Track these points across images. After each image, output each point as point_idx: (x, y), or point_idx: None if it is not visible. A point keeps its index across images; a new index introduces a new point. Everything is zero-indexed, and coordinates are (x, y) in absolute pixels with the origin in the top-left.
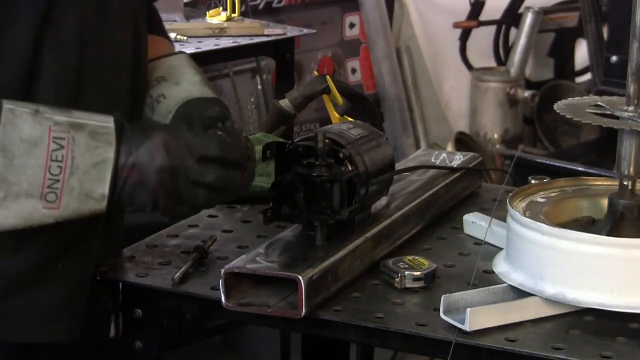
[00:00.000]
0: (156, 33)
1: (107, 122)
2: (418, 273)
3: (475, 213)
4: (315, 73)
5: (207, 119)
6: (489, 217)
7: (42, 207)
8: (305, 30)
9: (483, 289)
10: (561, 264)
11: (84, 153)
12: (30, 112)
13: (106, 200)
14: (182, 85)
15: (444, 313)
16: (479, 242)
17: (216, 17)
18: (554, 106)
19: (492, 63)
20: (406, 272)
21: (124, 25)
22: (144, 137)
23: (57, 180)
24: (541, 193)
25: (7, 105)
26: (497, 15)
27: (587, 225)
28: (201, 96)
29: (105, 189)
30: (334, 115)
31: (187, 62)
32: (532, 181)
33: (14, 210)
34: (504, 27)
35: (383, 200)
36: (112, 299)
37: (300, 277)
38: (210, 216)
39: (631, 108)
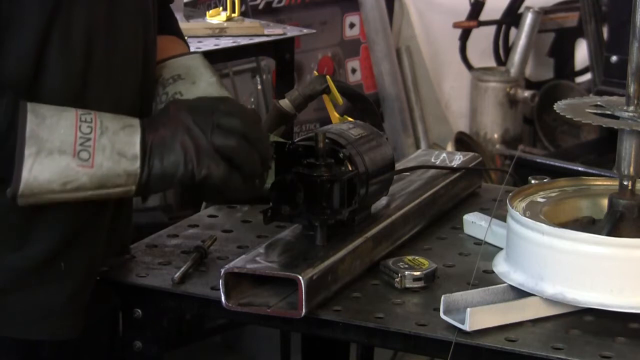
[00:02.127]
0: (172, 34)
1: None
2: (418, 273)
3: (475, 213)
4: (315, 73)
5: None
6: (489, 217)
7: (76, 165)
8: (305, 30)
9: (483, 289)
10: (561, 264)
11: (111, 119)
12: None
13: (139, 160)
14: (199, 86)
15: (444, 313)
16: (479, 242)
17: (216, 17)
18: (554, 106)
19: (492, 63)
20: (406, 272)
21: (134, 26)
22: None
23: (89, 139)
24: (541, 193)
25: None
26: (497, 15)
27: (587, 225)
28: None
29: (136, 149)
30: (334, 115)
31: (203, 62)
32: (532, 181)
33: (48, 166)
34: (504, 27)
35: (383, 200)
36: (113, 299)
37: (300, 277)
38: (210, 216)
39: (631, 108)
